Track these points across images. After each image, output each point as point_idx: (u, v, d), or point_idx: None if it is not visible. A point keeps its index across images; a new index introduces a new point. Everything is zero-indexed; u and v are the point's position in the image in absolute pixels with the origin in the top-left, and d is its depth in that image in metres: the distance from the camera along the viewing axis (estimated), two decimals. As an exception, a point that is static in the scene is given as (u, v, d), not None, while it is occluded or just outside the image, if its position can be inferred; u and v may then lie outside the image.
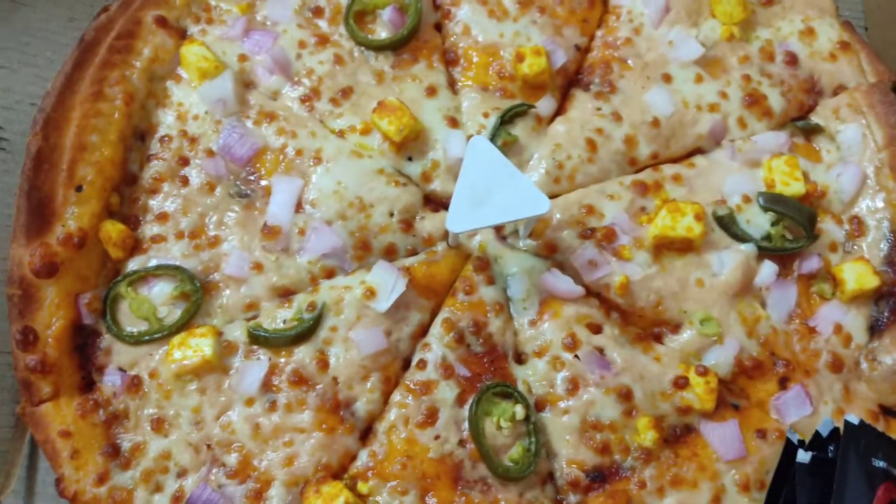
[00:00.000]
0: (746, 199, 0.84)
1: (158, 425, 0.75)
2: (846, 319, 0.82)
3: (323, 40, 0.89)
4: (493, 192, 0.74)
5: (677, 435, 0.78)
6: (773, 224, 0.83)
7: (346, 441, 0.75)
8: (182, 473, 0.74)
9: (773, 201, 0.82)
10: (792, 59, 0.92)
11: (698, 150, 0.89)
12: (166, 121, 0.85)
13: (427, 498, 0.75)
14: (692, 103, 0.88)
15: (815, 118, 0.91)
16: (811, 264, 0.82)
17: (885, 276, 0.81)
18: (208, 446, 0.75)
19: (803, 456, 0.72)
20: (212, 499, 0.73)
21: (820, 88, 0.92)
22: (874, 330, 0.82)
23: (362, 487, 0.75)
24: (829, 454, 0.72)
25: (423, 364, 0.78)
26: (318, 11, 0.90)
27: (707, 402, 0.77)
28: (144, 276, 0.79)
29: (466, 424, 0.75)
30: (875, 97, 0.89)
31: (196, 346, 0.75)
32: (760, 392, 0.81)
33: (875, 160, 0.86)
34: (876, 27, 1.01)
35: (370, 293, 0.77)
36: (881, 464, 0.74)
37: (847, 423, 0.74)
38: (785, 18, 0.95)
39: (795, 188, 0.83)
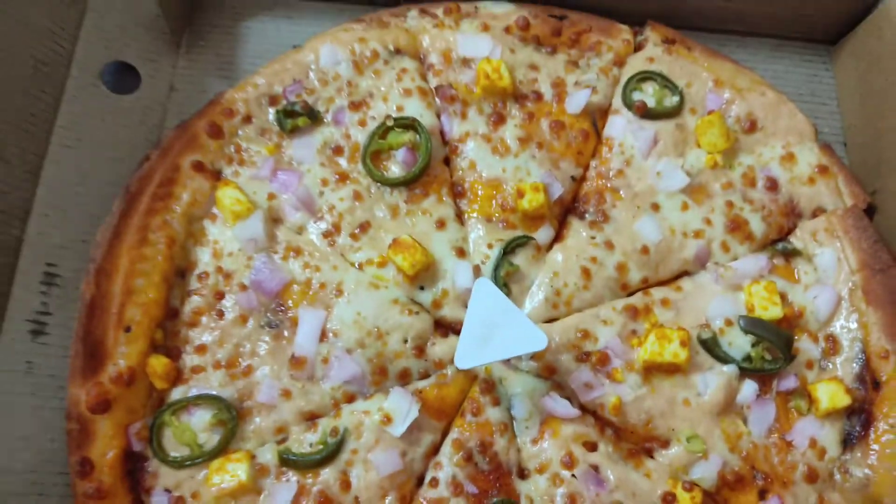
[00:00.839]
0: (728, 323, 0.90)
1: None
2: (821, 434, 0.88)
3: (343, 177, 0.97)
4: (496, 329, 0.81)
5: None
6: (753, 346, 0.90)
7: None
8: None
9: (752, 325, 0.89)
10: (773, 185, 0.99)
11: (685, 273, 0.95)
12: (203, 258, 0.93)
13: None
14: (679, 230, 0.95)
15: (794, 240, 0.97)
16: (789, 383, 0.89)
17: (857, 393, 0.87)
18: None
19: None
20: None
21: (799, 211, 0.99)
22: (847, 443, 0.87)
23: None
24: None
25: (434, 482, 0.85)
26: (338, 150, 0.99)
27: None
28: (186, 405, 0.86)
29: None
30: (849, 222, 0.95)
31: (233, 472, 0.82)
32: (742, 503, 0.85)
33: (849, 282, 0.92)
34: (854, 144, 1.08)
35: (387, 419, 0.85)
36: None
37: None
38: (766, 145, 1.02)
39: (773, 312, 0.89)
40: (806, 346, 0.91)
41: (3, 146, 0.94)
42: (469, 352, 0.80)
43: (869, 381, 0.87)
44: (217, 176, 0.97)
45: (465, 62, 1.03)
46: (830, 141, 1.06)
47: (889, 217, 0.98)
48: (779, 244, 0.97)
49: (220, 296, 0.91)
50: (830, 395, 0.86)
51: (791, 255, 0.95)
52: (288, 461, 0.84)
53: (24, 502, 0.86)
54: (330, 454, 0.84)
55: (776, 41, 1.13)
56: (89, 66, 1.04)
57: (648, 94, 1.02)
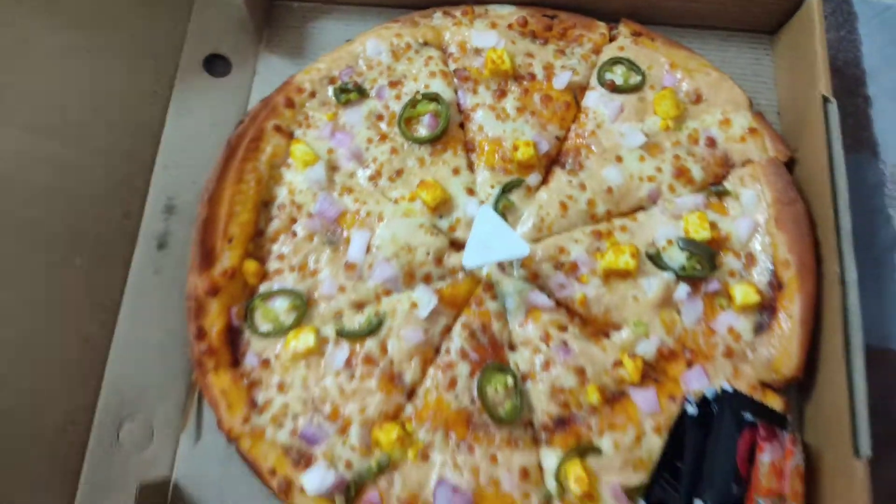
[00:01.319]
0: (670, 242, 1.14)
1: (280, 388, 1.07)
2: (737, 323, 1.11)
3: (383, 137, 1.23)
4: (494, 241, 1.04)
5: (614, 397, 1.07)
6: (687, 259, 1.13)
7: (398, 398, 1.07)
8: (295, 417, 1.06)
9: (687, 244, 1.14)
10: (711, 143, 1.22)
11: (640, 207, 1.19)
12: (281, 194, 1.19)
13: (450, 433, 1.04)
14: (636, 176, 1.19)
15: (726, 184, 1.19)
16: (714, 286, 1.12)
17: (766, 294, 1.11)
18: (312, 400, 1.06)
19: (692, 410, 1.03)
20: (314, 432, 1.04)
21: (732, 163, 1.21)
22: (758, 331, 1.10)
23: (408, 427, 1.05)
24: (713, 410, 1.03)
25: (448, 351, 1.09)
26: (380, 117, 1.24)
27: (635, 376, 1.07)
28: (270, 295, 1.12)
29: (475, 389, 1.07)
30: (768, 169, 1.18)
31: (304, 340, 1.08)
32: (673, 370, 1.09)
33: (765, 213, 1.15)
34: (785, 113, 1.30)
35: (414, 306, 1.11)
36: (749, 417, 1.00)
37: (723, 389, 1.04)
38: (709, 112, 1.24)
39: (703, 235, 1.13)
40: (730, 261, 1.14)
41: (131, 113, 1.28)
42: (473, 256, 1.04)
43: (775, 284, 1.13)
44: (291, 135, 1.23)
45: (478, 51, 1.28)
46: (767, 111, 1.29)
47: (806, 168, 1.21)
48: (713, 187, 1.19)
49: (294, 221, 1.18)
50: (744, 293, 1.10)
51: (723, 194, 1.19)
52: (343, 333, 1.09)
53: (151, 362, 1.13)
54: (373, 329, 1.10)
55: (727, 32, 1.37)
56: (195, 56, 1.31)
57: (618, 75, 1.27)
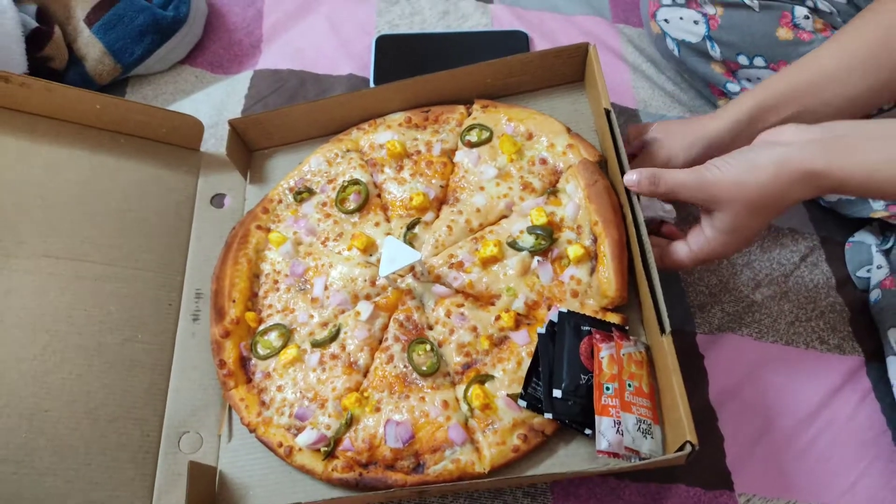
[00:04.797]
0: (521, 232, 1.43)
1: (279, 389, 1.28)
2: (576, 272, 1.36)
3: (327, 216, 1.54)
4: (396, 256, 1.37)
5: (499, 341, 1.31)
6: (535, 240, 1.43)
7: (357, 377, 1.28)
8: (291, 405, 1.26)
9: (532, 229, 1.44)
10: (544, 161, 1.52)
11: (503, 217, 1.50)
12: (266, 268, 1.49)
13: (393, 390, 1.32)
14: (495, 196, 1.49)
15: (558, 185, 1.52)
16: (556, 252, 1.39)
17: (590, 249, 1.39)
18: (300, 392, 1.27)
19: (541, 330, 1.32)
20: (304, 412, 1.25)
21: (560, 170, 1.53)
22: (591, 273, 1.40)
23: (364, 393, 1.33)
24: (556, 329, 1.33)
25: (386, 339, 1.30)
26: (324, 204, 1.59)
27: (511, 324, 1.30)
28: (265, 331, 1.42)
29: (406, 358, 1.31)
30: (580, 166, 1.47)
31: (290, 353, 1.37)
32: (539, 315, 1.33)
33: (580, 195, 1.46)
34: (598, 129, 1.62)
35: (358, 314, 1.44)
36: (586, 328, 1.29)
37: (561, 312, 1.37)
38: (539, 142, 1.56)
39: (541, 220, 1.42)
40: (566, 234, 1.41)
41: (166, 240, 1.76)
42: (385, 268, 1.35)
43: (594, 239, 1.45)
44: (268, 230, 1.62)
45: (381, 146, 1.65)
46: (588, 133, 1.61)
47: (611, 163, 1.53)
48: (549, 189, 1.52)
49: (276, 282, 1.51)
50: (574, 252, 1.37)
51: (555, 192, 1.50)
52: (315, 344, 1.38)
53: (196, 394, 1.46)
54: (333, 337, 1.37)
55: (551, 89, 1.70)
56: (204, 197, 1.80)
57: (473, 135, 1.62)
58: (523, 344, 1.29)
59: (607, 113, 1.50)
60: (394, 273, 1.44)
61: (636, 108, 1.77)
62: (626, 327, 1.35)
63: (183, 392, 1.50)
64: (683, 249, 1.24)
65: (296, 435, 1.39)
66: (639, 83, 1.75)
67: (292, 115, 1.77)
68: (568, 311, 1.22)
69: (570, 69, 1.71)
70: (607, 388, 1.23)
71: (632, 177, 1.33)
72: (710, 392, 1.34)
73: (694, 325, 1.44)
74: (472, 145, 1.64)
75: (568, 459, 1.30)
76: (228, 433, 1.47)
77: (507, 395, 1.32)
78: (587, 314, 1.32)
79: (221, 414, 1.49)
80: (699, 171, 1.11)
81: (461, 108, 1.72)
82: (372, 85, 1.80)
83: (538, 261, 1.45)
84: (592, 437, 1.17)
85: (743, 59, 1.52)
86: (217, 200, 1.79)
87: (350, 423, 1.37)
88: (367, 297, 1.48)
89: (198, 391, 1.50)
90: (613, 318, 1.37)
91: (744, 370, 1.31)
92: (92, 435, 1.35)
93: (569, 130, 1.61)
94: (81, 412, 1.36)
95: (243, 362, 1.40)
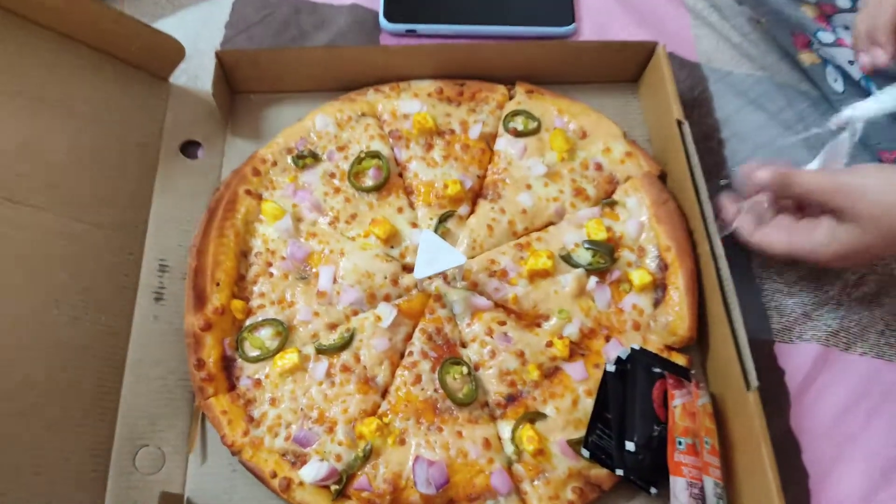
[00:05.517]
0: (577, 245, 1.25)
1: (272, 402, 1.09)
2: (639, 301, 1.21)
3: (337, 190, 1.31)
4: (437, 256, 1.13)
5: (551, 372, 1.14)
6: (592, 256, 1.25)
7: (374, 397, 1.11)
8: (287, 425, 1.08)
9: (590, 244, 1.25)
10: (599, 167, 1.35)
11: (551, 223, 1.30)
12: (257, 245, 1.23)
13: (420, 419, 1.10)
14: (544, 198, 1.30)
15: (615, 196, 1.32)
16: (616, 275, 1.22)
17: (656, 276, 1.23)
18: (301, 409, 1.09)
19: (611, 367, 1.11)
20: (306, 435, 1.07)
21: (617, 180, 1.34)
22: (656, 305, 1.22)
23: (385, 419, 1.09)
24: (627, 367, 1.13)
25: (411, 353, 1.13)
26: (332, 175, 1.33)
27: (565, 353, 1.14)
28: (256, 326, 1.17)
29: (437, 381, 1.12)
30: (645, 180, 1.31)
31: (289, 359, 1.13)
32: (595, 345, 1.17)
33: (646, 214, 1.28)
34: (655, 141, 1.45)
35: (378, 319, 1.18)
36: (657, 370, 1.10)
37: (633, 349, 1.14)
38: (594, 144, 1.37)
39: (601, 235, 1.25)
40: (626, 254, 1.26)
41: (123, 196, 1.36)
42: (422, 269, 1.12)
43: (663, 266, 1.26)
44: (260, 197, 1.30)
45: (405, 116, 1.39)
46: (639, 140, 1.44)
47: (674, 178, 1.35)
48: (605, 200, 1.32)
49: (269, 264, 1.23)
50: (640, 277, 1.22)
51: (613, 204, 1.31)
52: (321, 350, 1.15)
53: (157, 397, 1.16)
54: (346, 343, 1.15)
55: (599, 84, 1.51)
56: (173, 144, 1.39)
57: (518, 123, 1.40)
58: (580, 379, 1.15)
59: (679, 125, 1.31)
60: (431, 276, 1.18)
61: (697, 62, 1.52)
62: (692, 371, 1.17)
63: (141, 394, 1.16)
64: (781, 238, 1.10)
65: (293, 463, 1.11)
66: (700, 32, 1.52)
67: (297, 60, 1.45)
68: (640, 348, 1.02)
69: (628, 66, 1.52)
70: (679, 444, 1.06)
71: (763, 174, 1.16)
72: (792, 416, 1.17)
73: (771, 331, 1.25)
74: (517, 134, 1.41)
75: (625, 520, 1.12)
76: (202, 453, 1.16)
77: (565, 441, 1.10)
78: (653, 353, 1.12)
79: (192, 427, 1.17)
80: (840, 176, 1.01)
81: (502, 89, 1.49)
82: (382, 19, 1.54)
83: (595, 281, 1.26)
84: (656, 497, 1.09)
85: (843, 1, 1.29)
86: (189, 150, 1.44)
87: (368, 455, 1.11)
88: (387, 299, 1.25)
89: (160, 394, 1.17)
90: (678, 359, 1.20)
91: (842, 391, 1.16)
92: (23, 446, 0.99)
93: (625, 135, 1.40)
94: (9, 413, 0.99)
95: (226, 363, 1.17)
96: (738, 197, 1.26)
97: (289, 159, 1.38)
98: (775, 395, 1.24)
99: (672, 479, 1.05)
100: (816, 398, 1.24)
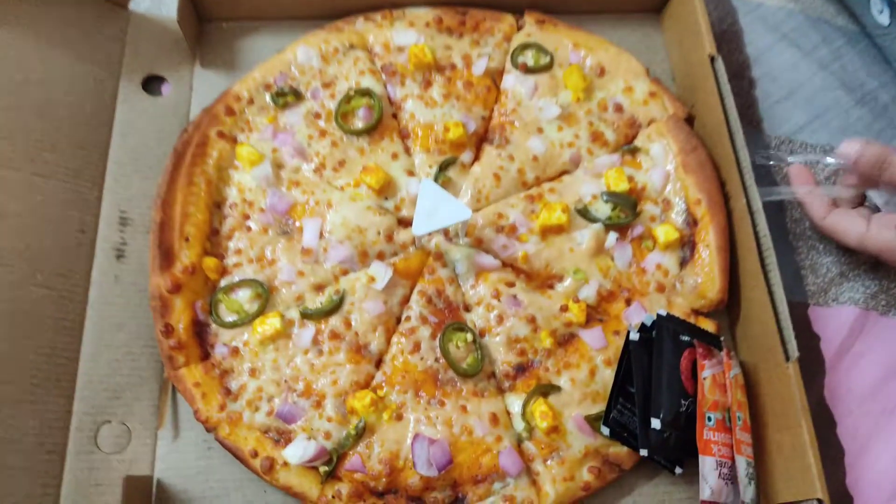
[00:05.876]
0: (595, 197, 1.13)
1: (252, 373, 1.00)
2: (664, 260, 1.10)
3: (323, 133, 1.18)
4: (438, 210, 1.01)
5: (565, 339, 1.05)
6: (612, 210, 1.12)
7: (367, 367, 1.02)
8: (270, 399, 0.99)
9: (610, 196, 1.13)
10: (619, 108, 1.21)
11: (565, 171, 1.18)
12: (231, 194, 1.12)
13: (420, 392, 1.00)
14: (557, 144, 1.18)
15: (636, 142, 1.19)
16: (638, 231, 1.11)
17: (684, 232, 1.11)
18: (285, 381, 1.00)
19: (635, 336, 0.99)
20: (290, 410, 0.98)
21: (639, 123, 1.21)
22: (682, 264, 1.10)
23: (380, 392, 1.01)
24: (653, 335, 1.01)
25: (408, 318, 1.05)
26: (317, 116, 1.19)
27: (581, 318, 1.05)
28: (232, 287, 1.05)
29: (438, 349, 1.03)
30: (670, 124, 1.18)
31: (270, 324, 1.01)
32: (615, 309, 1.07)
33: (672, 162, 1.15)
34: (678, 78, 1.31)
35: (371, 280, 1.06)
36: (686, 338, 0.99)
37: (659, 315, 1.02)
38: (613, 82, 1.24)
39: (622, 187, 1.12)
40: (649, 208, 1.14)
41: (75, 140, 1.18)
42: (421, 225, 1.00)
43: (691, 221, 1.13)
44: (234, 140, 1.16)
45: (400, 49, 1.24)
46: (662, 77, 1.30)
47: (703, 120, 1.22)
48: (626, 146, 1.19)
49: (247, 217, 1.11)
50: (665, 233, 1.10)
51: (635, 151, 1.18)
52: (307, 314, 1.04)
53: (121, 367, 1.04)
54: (335, 307, 1.04)
55: (618, 14, 1.37)
56: (133, 78, 1.24)
57: (529, 58, 1.26)
58: (598, 348, 1.06)
59: (711, 60, 1.15)
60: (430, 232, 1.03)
61: (734, 4, 1.38)
62: (722, 338, 1.04)
63: (102, 364, 1.03)
64: (858, 227, 1.05)
65: (277, 442, 0.98)
66: (752, 35, 1.38)
67: (276, -18, 1.25)
68: (667, 313, 0.90)
69: (650, -5, 1.33)
70: (709, 419, 0.94)
71: (853, 146, 1.04)
72: (826, 386, 1.09)
73: (805, 292, 1.15)
74: (527, 70, 1.25)
75: (647, 501, 1.00)
76: (173, 429, 1.03)
77: (582, 416, 0.98)
78: (681, 318, 0.99)
79: (161, 400, 1.05)
80: None
81: (509, 18, 1.32)
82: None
83: (615, 238, 1.13)
84: (681, 477, 1.00)
85: None
86: (152, 86, 1.28)
87: (361, 433, 0.98)
88: (381, 257, 1.13)
89: (124, 364, 1.05)
90: (706, 325, 1.08)
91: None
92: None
93: (648, 73, 1.24)
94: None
95: (198, 329, 1.06)
96: (811, 173, 1.14)
97: (267, 97, 1.22)
98: (807, 363, 1.13)
99: (701, 458, 0.95)
100: (852, 366, 1.13)
